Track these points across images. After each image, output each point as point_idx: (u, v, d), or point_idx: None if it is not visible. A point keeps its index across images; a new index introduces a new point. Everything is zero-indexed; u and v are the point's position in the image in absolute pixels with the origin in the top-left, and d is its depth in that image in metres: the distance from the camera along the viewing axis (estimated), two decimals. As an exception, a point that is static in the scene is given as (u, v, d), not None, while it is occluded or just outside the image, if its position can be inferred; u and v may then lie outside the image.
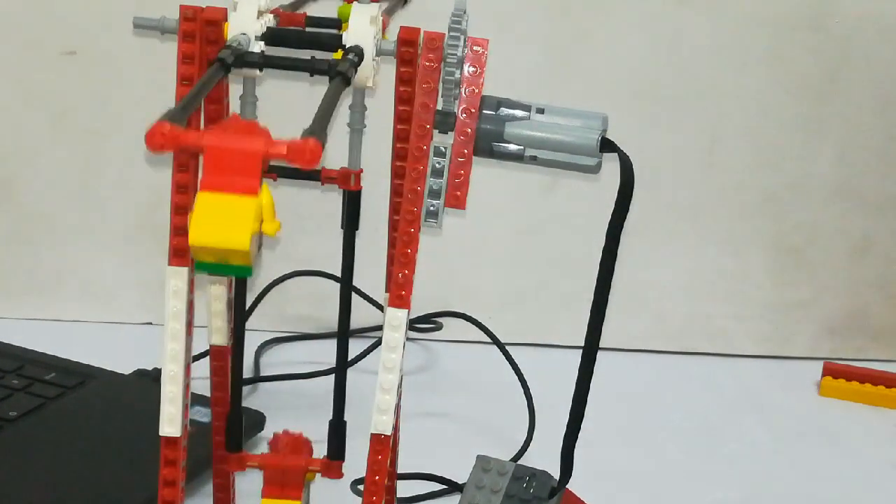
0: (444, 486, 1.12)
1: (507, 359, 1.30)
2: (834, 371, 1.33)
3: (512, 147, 0.82)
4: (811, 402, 1.31)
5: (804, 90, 1.39)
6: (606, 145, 0.85)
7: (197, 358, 1.04)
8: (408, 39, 0.80)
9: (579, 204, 1.40)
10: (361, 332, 1.39)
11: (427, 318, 1.46)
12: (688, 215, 1.40)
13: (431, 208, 0.83)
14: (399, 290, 0.82)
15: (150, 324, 1.46)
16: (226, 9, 0.79)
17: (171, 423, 0.86)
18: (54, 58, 1.37)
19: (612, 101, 1.33)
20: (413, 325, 1.43)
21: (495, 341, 1.33)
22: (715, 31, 1.39)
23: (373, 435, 0.82)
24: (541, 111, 0.83)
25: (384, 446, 0.83)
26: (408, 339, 1.41)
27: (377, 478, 0.84)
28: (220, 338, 0.95)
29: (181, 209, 0.82)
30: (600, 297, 0.86)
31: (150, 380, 1.27)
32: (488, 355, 1.29)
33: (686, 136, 1.40)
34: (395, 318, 0.83)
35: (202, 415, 1.16)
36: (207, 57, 0.79)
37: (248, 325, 1.29)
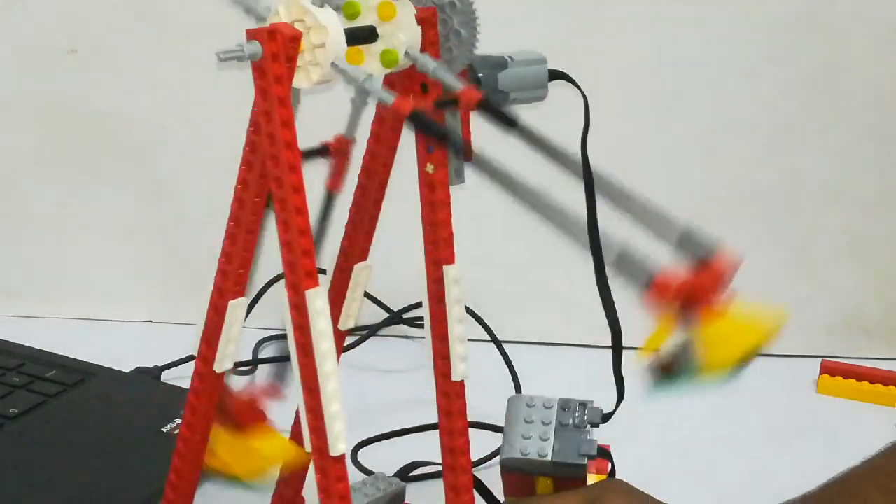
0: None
1: (502, 356, 1.30)
2: (831, 369, 1.33)
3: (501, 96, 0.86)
4: (809, 399, 1.32)
5: (803, 91, 1.39)
6: (554, 75, 0.90)
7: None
8: None
9: (578, 203, 1.38)
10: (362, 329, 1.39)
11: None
12: (687, 214, 1.39)
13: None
14: (448, 249, 0.89)
15: (150, 321, 1.46)
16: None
17: (342, 441, 0.83)
18: (55, 55, 1.38)
19: (615, 100, 1.36)
20: (411, 321, 1.42)
21: (493, 338, 1.32)
22: (715, 33, 1.39)
23: (457, 382, 0.90)
24: (510, 58, 0.86)
25: (463, 390, 0.90)
26: (404, 336, 1.41)
27: (461, 423, 0.90)
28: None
29: (305, 231, 0.81)
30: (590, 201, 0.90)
31: (150, 377, 1.28)
32: (487, 353, 1.29)
33: (686, 136, 1.41)
34: (455, 273, 0.89)
35: None
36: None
37: (247, 322, 1.31)
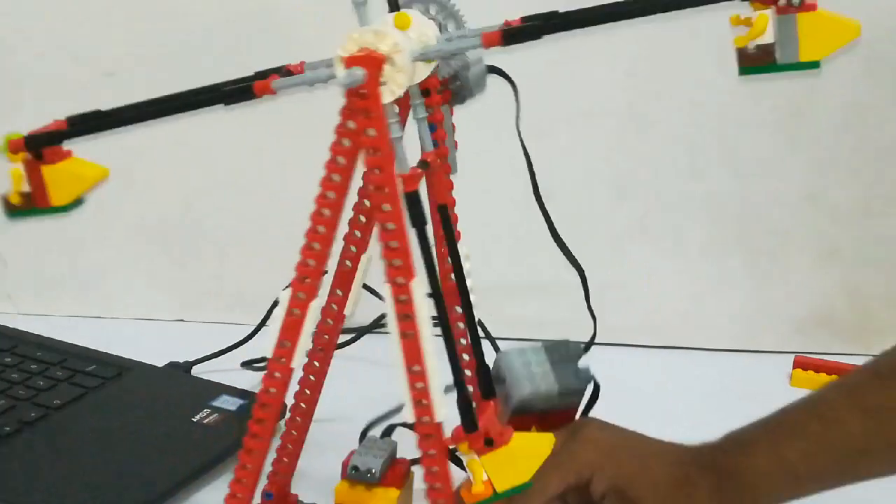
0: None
1: (495, 350, 1.29)
2: (804, 364, 1.34)
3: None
4: (783, 391, 1.30)
5: (777, 109, 1.38)
6: (491, 70, 0.92)
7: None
8: None
9: (575, 204, 1.39)
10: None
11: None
12: (672, 223, 1.40)
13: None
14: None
15: (181, 321, 1.48)
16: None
17: (443, 407, 0.86)
18: (96, 77, 1.39)
19: (603, 120, 1.40)
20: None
21: (487, 335, 1.30)
22: (696, 56, 1.37)
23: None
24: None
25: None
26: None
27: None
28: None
29: (404, 233, 0.85)
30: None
31: (181, 371, 1.29)
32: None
33: (671, 150, 1.41)
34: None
35: (230, 403, 1.19)
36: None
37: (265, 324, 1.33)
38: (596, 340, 1.36)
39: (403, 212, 0.83)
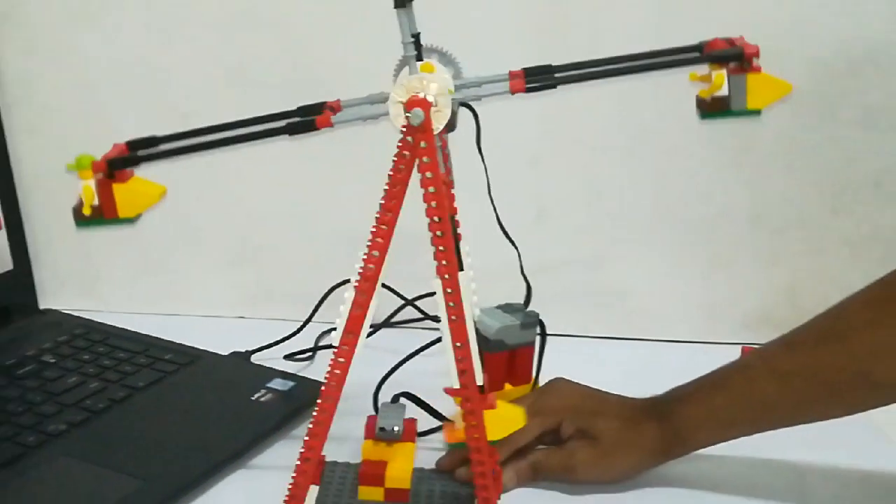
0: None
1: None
2: (749, 352, 1.32)
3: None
4: None
5: (727, 144, 1.37)
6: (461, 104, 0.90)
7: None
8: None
9: (567, 223, 1.41)
10: (405, 322, 1.39)
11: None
12: (643, 235, 1.40)
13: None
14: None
15: (242, 317, 1.47)
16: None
17: (480, 374, 0.89)
18: (171, 117, 1.33)
19: (587, 152, 1.39)
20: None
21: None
22: (666, 104, 1.32)
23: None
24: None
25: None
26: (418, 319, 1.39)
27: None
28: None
29: (451, 239, 0.87)
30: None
31: (242, 359, 1.28)
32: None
33: (642, 176, 1.39)
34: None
35: (281, 385, 1.19)
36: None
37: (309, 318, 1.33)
38: (582, 334, 1.38)
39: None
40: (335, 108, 0.88)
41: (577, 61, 0.86)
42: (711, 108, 0.87)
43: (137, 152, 0.87)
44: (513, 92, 0.85)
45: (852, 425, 0.99)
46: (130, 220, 0.88)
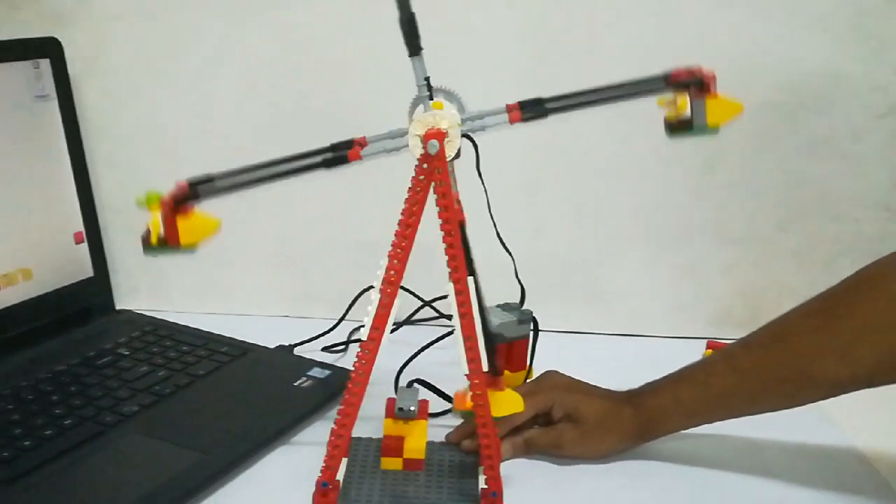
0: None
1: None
2: (713, 346, 1.29)
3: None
4: None
5: (693, 169, 1.36)
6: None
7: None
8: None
9: (561, 238, 1.40)
10: (423, 321, 1.38)
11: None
12: (623, 247, 1.38)
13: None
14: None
15: (287, 316, 1.45)
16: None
17: (486, 362, 0.90)
18: (224, 150, 1.32)
19: (575, 175, 1.38)
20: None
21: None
22: (635, 131, 1.30)
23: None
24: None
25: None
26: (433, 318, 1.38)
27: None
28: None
29: (460, 248, 0.88)
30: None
31: (286, 352, 1.27)
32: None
33: (622, 196, 1.38)
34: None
35: (319, 373, 1.19)
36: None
37: (344, 316, 1.33)
38: (570, 329, 1.37)
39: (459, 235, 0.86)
40: (362, 143, 0.88)
41: (564, 93, 0.87)
42: (677, 128, 0.88)
43: (197, 189, 0.88)
44: (511, 122, 0.86)
45: (803, 411, 0.99)
46: (192, 249, 0.89)
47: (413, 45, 0.84)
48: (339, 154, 0.88)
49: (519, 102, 0.86)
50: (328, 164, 0.88)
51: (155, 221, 0.88)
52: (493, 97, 0.89)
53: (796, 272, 1.39)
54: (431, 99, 0.86)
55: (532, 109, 0.86)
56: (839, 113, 1.32)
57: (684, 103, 0.87)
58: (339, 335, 1.35)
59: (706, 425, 1.02)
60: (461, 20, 1.31)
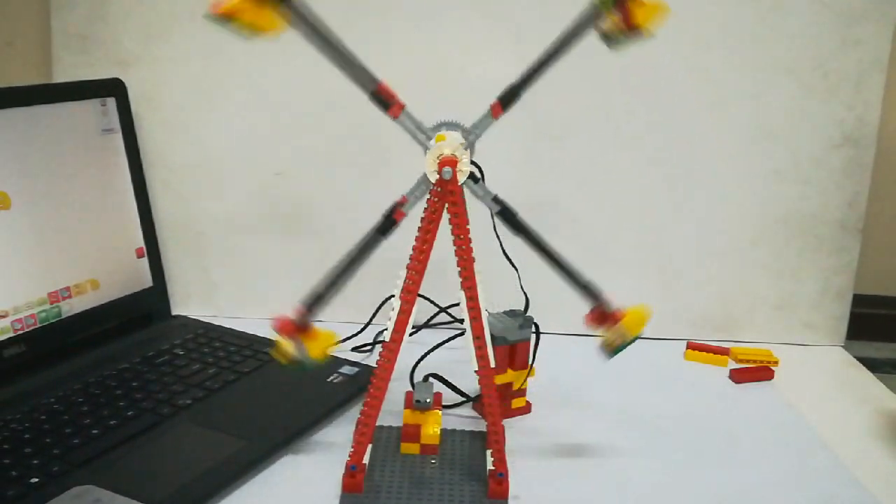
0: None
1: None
2: (693, 346, 1.34)
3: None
4: (679, 362, 1.32)
5: (678, 189, 1.36)
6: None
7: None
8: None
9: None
10: (439, 324, 1.36)
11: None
12: (616, 258, 1.36)
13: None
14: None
15: (320, 320, 1.34)
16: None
17: (493, 359, 0.91)
18: (266, 174, 1.38)
19: (571, 196, 1.37)
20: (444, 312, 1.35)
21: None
22: (627, 159, 1.34)
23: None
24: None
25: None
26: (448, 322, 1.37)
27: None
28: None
29: (470, 260, 0.88)
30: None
31: None
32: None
33: (615, 212, 1.37)
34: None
35: (350, 370, 1.18)
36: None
37: (370, 321, 1.34)
38: (569, 332, 1.37)
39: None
40: (403, 202, 0.90)
41: (524, 71, 0.86)
42: (613, 39, 0.84)
43: (310, 309, 0.92)
44: (495, 116, 0.87)
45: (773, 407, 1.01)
46: (321, 362, 0.91)
47: (391, 109, 0.85)
48: (389, 219, 0.90)
49: (498, 98, 0.86)
50: (384, 230, 0.90)
51: (287, 344, 0.91)
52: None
53: (765, 283, 1.39)
54: (430, 139, 0.87)
55: (506, 98, 0.86)
56: (802, 143, 1.34)
57: (616, 19, 0.83)
58: (366, 337, 1.35)
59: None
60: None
